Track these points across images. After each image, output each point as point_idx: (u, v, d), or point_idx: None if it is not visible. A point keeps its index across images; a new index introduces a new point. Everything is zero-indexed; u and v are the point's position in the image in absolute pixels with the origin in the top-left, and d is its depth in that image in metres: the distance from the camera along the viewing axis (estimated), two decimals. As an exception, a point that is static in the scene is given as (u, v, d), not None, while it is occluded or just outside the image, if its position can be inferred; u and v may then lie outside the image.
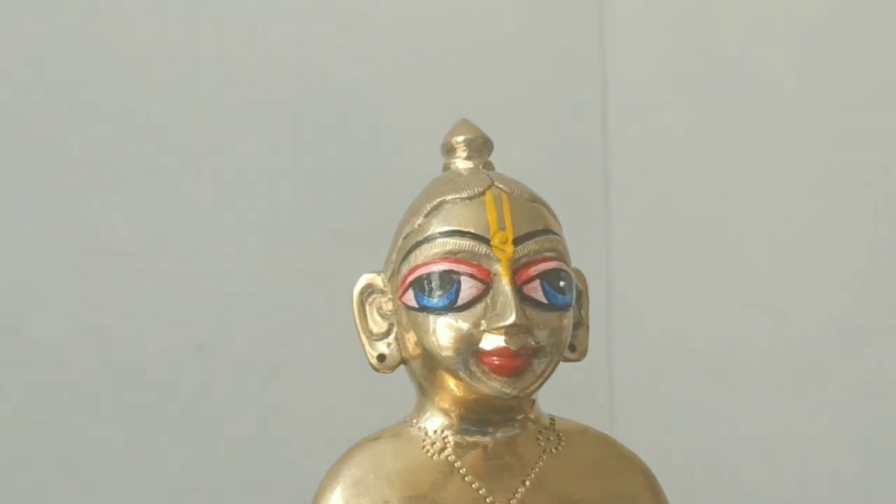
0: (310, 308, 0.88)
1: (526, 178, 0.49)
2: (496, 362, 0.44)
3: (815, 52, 0.93)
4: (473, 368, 0.45)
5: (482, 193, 0.46)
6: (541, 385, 0.46)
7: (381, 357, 0.48)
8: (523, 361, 0.45)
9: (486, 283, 0.45)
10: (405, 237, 0.46)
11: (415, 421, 0.48)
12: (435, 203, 0.46)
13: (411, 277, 0.45)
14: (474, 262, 0.45)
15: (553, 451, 0.48)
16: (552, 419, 0.49)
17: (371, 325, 0.48)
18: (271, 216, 0.89)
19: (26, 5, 0.86)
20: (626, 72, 0.95)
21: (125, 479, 0.88)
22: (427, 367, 0.46)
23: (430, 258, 0.45)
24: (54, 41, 0.87)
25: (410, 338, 0.46)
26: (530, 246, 0.45)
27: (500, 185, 0.46)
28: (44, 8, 0.87)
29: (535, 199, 0.47)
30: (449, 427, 0.47)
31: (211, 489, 0.90)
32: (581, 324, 0.49)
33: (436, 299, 0.45)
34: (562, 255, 0.46)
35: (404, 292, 0.46)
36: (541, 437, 0.48)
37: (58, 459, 0.87)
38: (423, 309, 0.45)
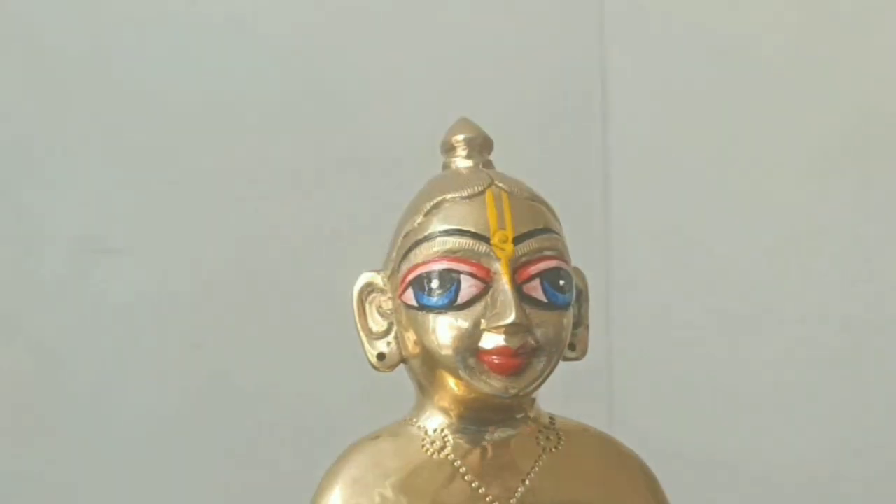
0: (310, 307, 0.88)
1: (526, 177, 0.49)
2: (496, 361, 0.44)
3: (819, 44, 0.93)
4: (473, 367, 0.45)
5: (482, 192, 0.46)
6: (540, 384, 0.46)
7: (381, 356, 0.48)
8: (523, 360, 0.45)
9: (486, 282, 0.45)
10: (405, 236, 0.46)
11: (414, 420, 0.48)
12: (435, 201, 0.46)
13: (411, 276, 0.45)
14: (474, 261, 0.45)
15: (553, 450, 0.48)
16: (552, 418, 0.49)
17: (371, 323, 0.48)
18: (271, 215, 0.89)
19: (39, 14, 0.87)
20: (627, 71, 0.95)
21: (122, 479, 0.88)
22: (427, 366, 0.46)
23: (430, 257, 0.45)
24: (56, 45, 0.87)
25: (410, 336, 0.46)
26: (530, 245, 0.45)
27: (500, 184, 0.46)
28: (51, 9, 0.87)
29: (535, 198, 0.47)
30: (449, 426, 0.47)
31: (208, 487, 0.90)
32: (581, 323, 0.49)
33: (435, 298, 0.45)
34: (562, 254, 0.46)
35: (404, 291, 0.46)
36: (540, 437, 0.48)
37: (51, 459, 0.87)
38: (423, 308, 0.45)
